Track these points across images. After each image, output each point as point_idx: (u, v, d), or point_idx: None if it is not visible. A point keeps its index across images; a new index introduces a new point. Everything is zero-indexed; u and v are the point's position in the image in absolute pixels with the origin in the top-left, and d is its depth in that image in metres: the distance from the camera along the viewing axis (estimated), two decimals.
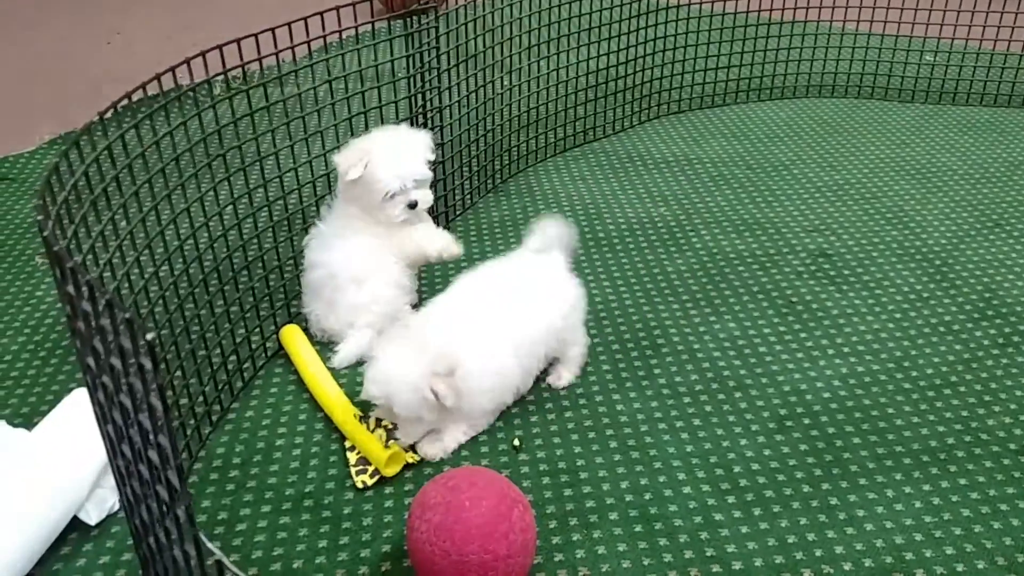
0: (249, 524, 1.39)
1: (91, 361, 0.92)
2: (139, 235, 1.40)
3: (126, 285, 1.35)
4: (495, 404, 1.57)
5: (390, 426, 1.53)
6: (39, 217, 0.96)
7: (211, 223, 1.59)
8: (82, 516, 1.37)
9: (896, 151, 2.63)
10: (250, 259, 1.72)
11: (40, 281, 2.06)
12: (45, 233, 0.92)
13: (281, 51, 1.67)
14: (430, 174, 1.78)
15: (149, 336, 0.74)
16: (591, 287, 1.98)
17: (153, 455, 0.85)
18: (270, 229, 1.77)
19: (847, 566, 1.30)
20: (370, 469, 1.47)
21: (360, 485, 1.45)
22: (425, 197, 1.78)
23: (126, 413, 0.87)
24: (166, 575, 1.00)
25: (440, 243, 1.80)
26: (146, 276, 1.43)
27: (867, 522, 1.37)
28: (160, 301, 1.47)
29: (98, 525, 1.38)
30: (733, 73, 3.05)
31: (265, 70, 1.66)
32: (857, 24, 3.18)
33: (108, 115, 1.30)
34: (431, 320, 1.54)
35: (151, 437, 0.82)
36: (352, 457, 1.49)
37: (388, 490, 1.45)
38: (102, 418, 0.99)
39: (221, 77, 1.57)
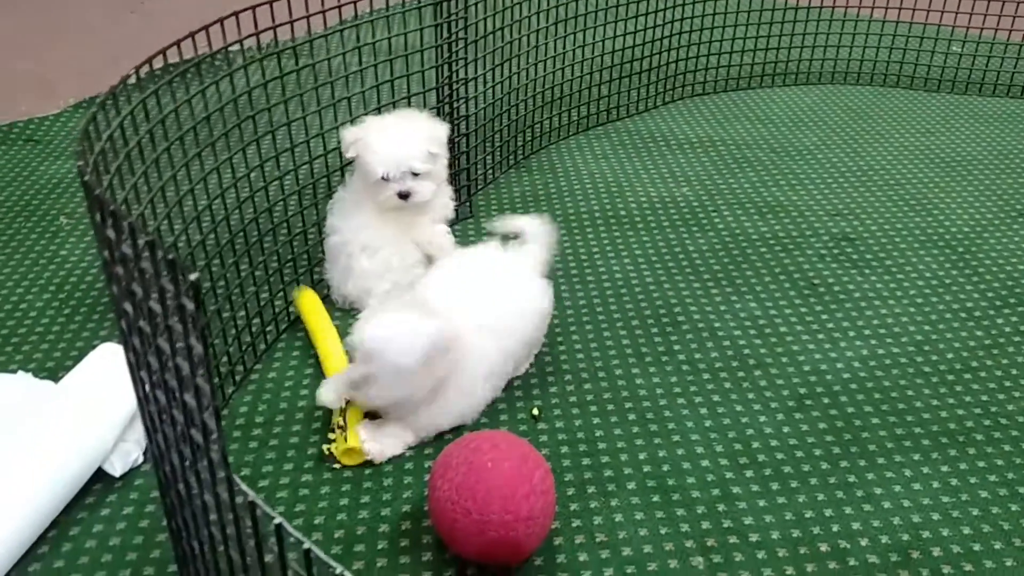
0: (271, 481, 1.41)
1: (127, 306, 0.93)
2: (169, 192, 1.41)
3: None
4: (472, 400, 1.52)
5: (343, 423, 1.45)
6: (79, 163, 0.97)
7: (238, 185, 1.60)
8: (106, 468, 1.38)
9: (921, 139, 2.62)
10: (276, 223, 1.73)
11: (64, 240, 2.08)
12: (86, 177, 0.93)
13: (312, 15, 1.67)
14: (430, 167, 1.73)
15: (193, 276, 0.75)
16: (611, 263, 1.99)
17: (190, 398, 0.86)
18: (295, 194, 1.78)
19: (864, 542, 1.30)
20: (332, 445, 1.45)
21: (325, 451, 1.45)
22: (422, 190, 1.73)
23: (163, 357, 0.88)
24: (194, 521, 1.01)
25: (436, 246, 1.81)
26: (175, 233, 1.44)
27: (884, 500, 1.37)
28: (188, 260, 1.48)
29: (122, 477, 1.40)
30: (759, 57, 3.03)
31: (292, 39, 1.66)
32: (885, 12, 3.16)
33: (132, 81, 1.30)
34: (434, 291, 1.52)
35: (189, 380, 0.83)
36: (337, 420, 1.47)
37: (408, 453, 1.47)
38: (136, 365, 1.00)
39: (248, 44, 1.58)
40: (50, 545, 1.30)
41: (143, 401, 1.04)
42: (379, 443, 1.44)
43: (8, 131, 2.62)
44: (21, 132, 2.63)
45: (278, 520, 0.81)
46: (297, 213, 1.79)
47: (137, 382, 1.02)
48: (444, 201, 1.85)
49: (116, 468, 1.39)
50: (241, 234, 1.64)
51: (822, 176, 2.40)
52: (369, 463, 1.44)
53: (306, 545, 0.78)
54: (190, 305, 0.77)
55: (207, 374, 0.80)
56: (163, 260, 0.79)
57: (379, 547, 1.30)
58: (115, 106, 1.23)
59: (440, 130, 1.77)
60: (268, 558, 0.86)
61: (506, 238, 1.70)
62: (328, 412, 1.51)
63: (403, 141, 1.71)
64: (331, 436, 1.46)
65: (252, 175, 1.65)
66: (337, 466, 1.44)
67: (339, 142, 1.76)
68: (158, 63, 1.38)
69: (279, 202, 1.72)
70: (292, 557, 0.81)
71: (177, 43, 1.39)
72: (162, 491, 1.17)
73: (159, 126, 1.35)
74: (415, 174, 1.72)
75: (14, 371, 1.59)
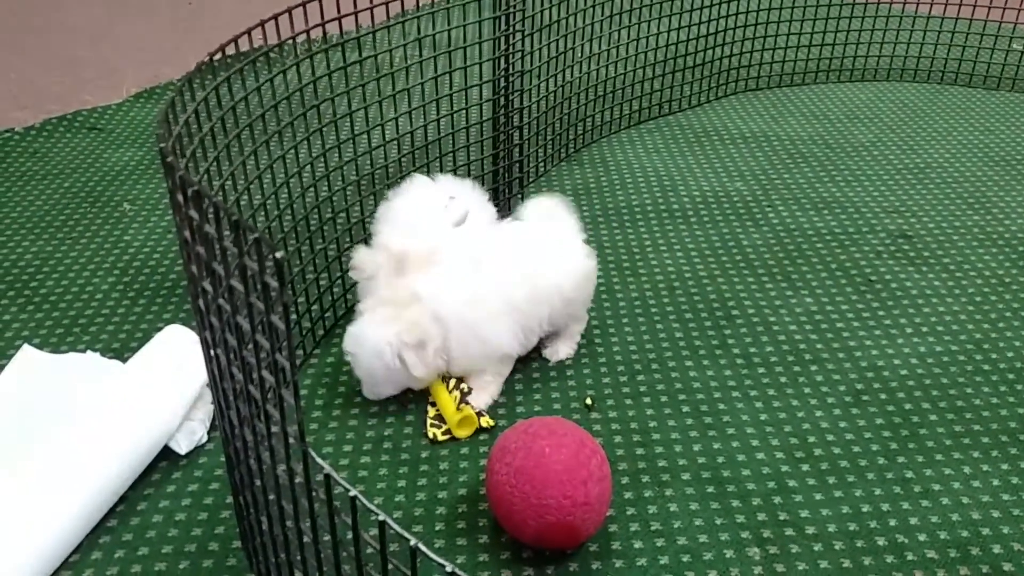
0: (331, 462, 1.44)
1: (207, 285, 0.96)
2: (239, 178, 1.44)
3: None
4: (493, 359, 1.56)
5: (467, 389, 1.55)
6: (161, 145, 1.00)
7: (301, 174, 1.63)
8: (172, 445, 1.42)
9: (979, 137, 2.58)
10: (335, 211, 1.76)
11: (128, 226, 2.13)
12: (168, 159, 0.96)
13: (374, 7, 1.69)
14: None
15: (278, 255, 0.77)
16: (663, 257, 1.99)
17: (268, 374, 0.89)
18: (355, 184, 1.81)
19: (922, 537, 1.29)
20: (444, 427, 1.50)
21: (430, 436, 1.48)
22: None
23: (242, 336, 0.91)
24: (263, 496, 1.04)
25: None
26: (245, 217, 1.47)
27: (943, 496, 1.36)
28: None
29: (187, 455, 1.44)
30: (814, 52, 3.01)
31: (345, 32, 1.69)
32: (944, 8, 3.11)
33: (199, 68, 1.34)
34: (420, 282, 1.52)
35: (268, 356, 0.86)
36: (431, 411, 1.52)
37: (464, 440, 1.48)
38: (212, 343, 1.03)
39: (309, 35, 1.61)
40: (119, 519, 1.34)
41: (217, 379, 1.07)
42: (480, 397, 1.55)
43: (72, 120, 2.69)
44: (85, 120, 2.69)
45: (353, 493, 0.83)
46: (356, 202, 1.82)
47: (212, 360, 1.05)
48: None
49: (182, 446, 1.43)
50: (303, 222, 1.67)
51: (878, 173, 2.37)
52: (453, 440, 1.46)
53: (381, 517, 0.80)
54: (273, 283, 0.80)
55: (290, 350, 0.82)
56: (250, 240, 0.81)
57: (436, 528, 1.32)
58: (191, 92, 1.26)
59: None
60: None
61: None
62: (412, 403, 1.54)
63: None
64: (431, 423, 1.50)
65: (314, 164, 1.68)
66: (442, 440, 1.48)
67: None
68: (220, 53, 1.41)
69: (339, 191, 1.75)
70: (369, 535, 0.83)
71: (248, 32, 1.42)
72: (230, 468, 1.20)
73: (229, 113, 1.38)
74: None
75: (82, 351, 1.64)
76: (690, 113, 2.75)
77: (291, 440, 0.89)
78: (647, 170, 2.39)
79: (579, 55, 2.40)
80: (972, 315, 1.79)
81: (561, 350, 1.68)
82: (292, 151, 1.59)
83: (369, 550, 1.13)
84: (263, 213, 1.55)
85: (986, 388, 1.59)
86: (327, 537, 0.90)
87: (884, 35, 3.03)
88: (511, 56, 2.06)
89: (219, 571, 1.25)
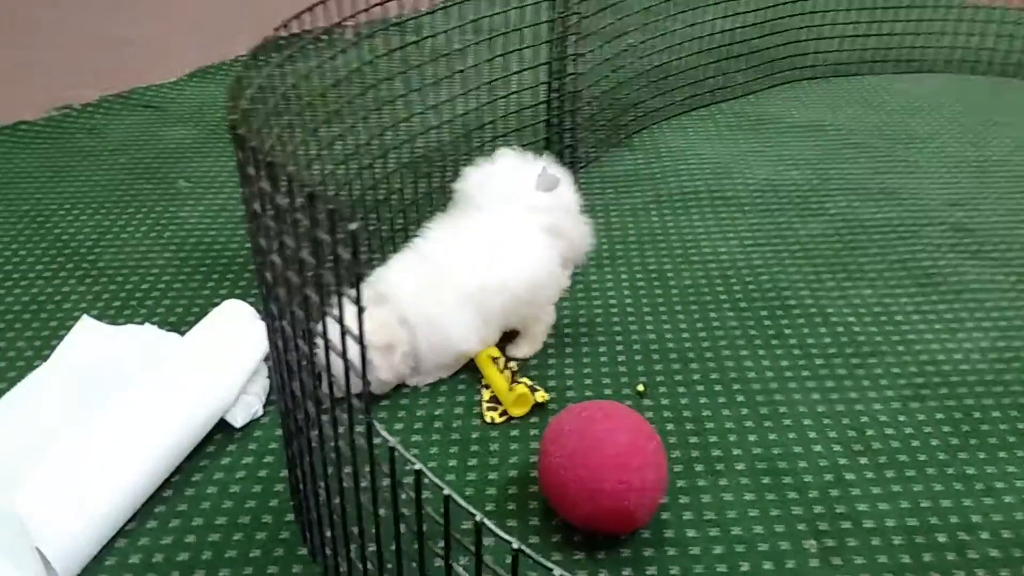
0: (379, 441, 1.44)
1: (276, 258, 0.96)
2: (300, 156, 1.45)
3: None
4: (451, 358, 1.55)
5: (515, 367, 1.55)
6: (231, 116, 1.00)
7: (360, 152, 1.64)
8: (228, 418, 1.43)
9: None
10: (391, 191, 1.76)
11: (183, 203, 2.15)
12: (239, 130, 0.96)
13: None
14: None
15: (353, 225, 0.77)
16: (716, 244, 1.96)
17: (331, 350, 0.89)
18: (410, 164, 1.81)
19: (984, 535, 1.27)
20: (500, 408, 1.50)
21: (488, 420, 1.48)
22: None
23: (309, 308, 0.91)
24: (323, 469, 1.04)
25: None
26: None
27: (1006, 494, 1.33)
28: None
29: (242, 428, 1.45)
30: (871, 43, 2.94)
31: (400, 15, 1.69)
32: None
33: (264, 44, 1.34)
34: (386, 278, 1.51)
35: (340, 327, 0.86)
36: (486, 394, 1.52)
37: (514, 421, 1.48)
38: (277, 315, 1.03)
39: (361, 19, 1.61)
40: (174, 489, 1.35)
41: (280, 351, 1.07)
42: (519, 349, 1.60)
43: (129, 97, 2.73)
44: (141, 98, 2.73)
45: (418, 466, 0.83)
46: (409, 183, 1.82)
47: (276, 332, 1.06)
48: None
49: (238, 419, 1.44)
50: (358, 202, 1.67)
51: (935, 166, 2.32)
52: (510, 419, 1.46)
53: (447, 491, 0.79)
54: (347, 255, 0.80)
55: (359, 320, 0.82)
56: (324, 211, 0.81)
57: (487, 509, 1.32)
58: (255, 68, 1.26)
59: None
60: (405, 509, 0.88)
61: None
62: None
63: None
64: (487, 406, 1.49)
65: (369, 144, 1.68)
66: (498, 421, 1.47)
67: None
68: (284, 29, 1.41)
69: (393, 171, 1.75)
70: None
71: (311, 8, 1.43)
72: (287, 442, 1.21)
73: (288, 91, 1.39)
74: None
75: (140, 324, 1.66)
76: (744, 101, 2.71)
77: (356, 413, 0.89)
78: (700, 157, 2.36)
79: (634, 40, 2.37)
80: None
81: (522, 348, 1.63)
82: (348, 131, 1.59)
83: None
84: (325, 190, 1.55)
85: None
86: (384, 512, 0.90)
87: (943, 26, 2.95)
88: (567, 38, 2.05)
89: (272, 544, 1.26)
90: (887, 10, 2.93)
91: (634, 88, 2.44)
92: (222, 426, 1.45)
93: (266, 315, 1.06)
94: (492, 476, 1.38)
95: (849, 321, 1.72)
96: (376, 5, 1.58)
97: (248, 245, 1.85)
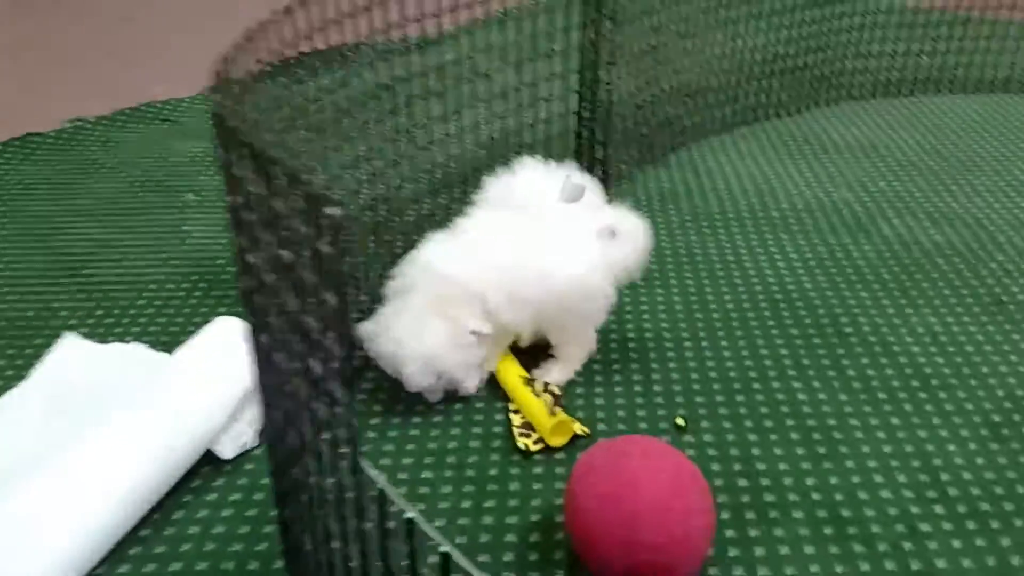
0: (388, 477, 1.28)
1: (252, 258, 0.81)
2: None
3: None
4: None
5: (558, 392, 1.40)
6: (214, 96, 0.86)
7: (374, 168, 1.50)
8: (216, 449, 1.28)
9: None
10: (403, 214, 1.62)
11: (188, 217, 2.02)
12: (219, 111, 0.82)
13: (459, 7, 1.56)
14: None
15: (334, 211, 0.62)
16: (762, 267, 1.79)
17: (316, 364, 0.73)
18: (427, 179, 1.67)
19: None
20: (534, 436, 1.33)
21: (522, 447, 1.31)
22: None
23: (290, 316, 0.76)
24: (308, 511, 0.89)
25: None
26: None
27: None
28: None
29: (232, 460, 1.30)
30: (923, 62, 2.77)
31: (422, 34, 1.57)
32: None
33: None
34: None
35: (318, 340, 0.70)
36: (516, 420, 1.35)
37: (537, 456, 1.31)
38: (257, 327, 0.88)
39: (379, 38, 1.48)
40: (152, 528, 1.20)
41: (260, 368, 0.92)
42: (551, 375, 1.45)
43: (145, 111, 2.62)
44: (158, 113, 2.62)
45: (411, 514, 0.67)
46: (427, 196, 1.68)
47: (256, 347, 0.90)
48: None
49: (226, 450, 1.29)
50: (370, 214, 1.53)
51: (1000, 187, 2.14)
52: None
53: (445, 548, 0.63)
54: (327, 248, 0.65)
55: (343, 333, 0.67)
56: (304, 196, 0.66)
57: (505, 559, 1.15)
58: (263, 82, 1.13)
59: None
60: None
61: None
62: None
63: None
64: (519, 432, 1.34)
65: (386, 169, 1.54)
66: (537, 451, 1.32)
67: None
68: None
69: (410, 185, 1.61)
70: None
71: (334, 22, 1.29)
72: (274, 475, 1.05)
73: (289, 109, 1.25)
74: None
75: (128, 342, 1.52)
76: (788, 120, 2.55)
77: (341, 447, 0.74)
78: (741, 176, 2.20)
79: (670, 53, 2.22)
80: None
81: (553, 373, 1.46)
82: (364, 149, 1.46)
83: None
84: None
85: None
86: (380, 563, 0.74)
87: (1000, 44, 2.78)
88: (598, 46, 1.91)
89: None
90: (938, 28, 2.77)
91: (671, 104, 2.28)
92: (210, 458, 1.29)
93: (248, 327, 0.91)
94: (512, 520, 1.21)
95: (913, 351, 1.54)
96: (396, 25, 1.45)
97: None
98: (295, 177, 0.66)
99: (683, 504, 1.03)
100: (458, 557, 0.62)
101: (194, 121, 2.56)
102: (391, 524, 0.70)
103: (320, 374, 0.72)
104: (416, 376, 1.36)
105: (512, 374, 1.43)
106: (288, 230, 0.69)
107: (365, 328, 1.40)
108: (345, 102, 1.44)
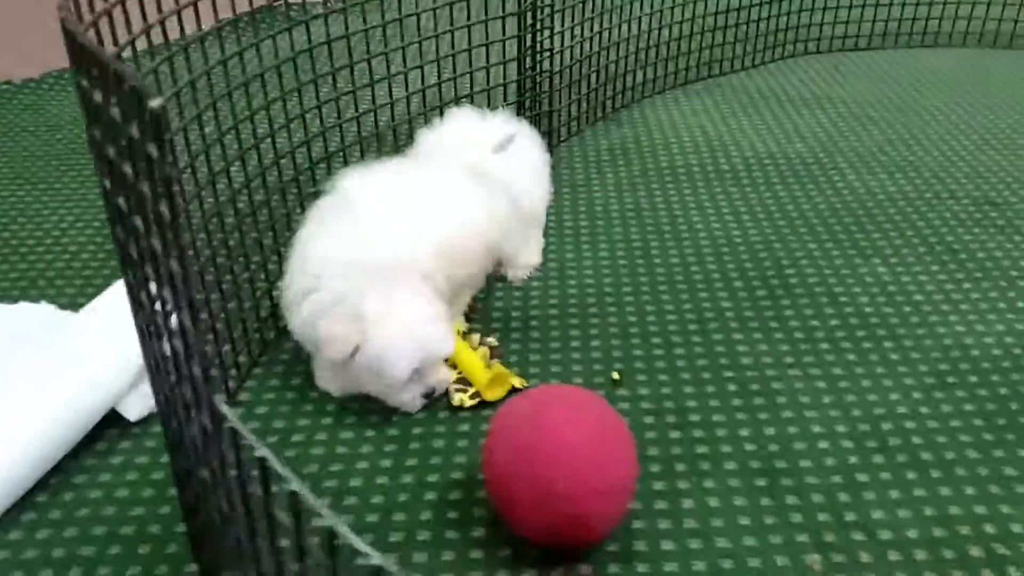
0: (306, 435, 1.22)
1: (107, 182, 0.74)
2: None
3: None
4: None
5: (495, 343, 1.33)
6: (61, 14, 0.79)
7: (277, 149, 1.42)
8: (121, 410, 1.21)
9: None
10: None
11: None
12: (68, 26, 0.74)
13: None
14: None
15: (154, 103, 0.55)
16: (710, 221, 1.73)
17: (167, 293, 0.66)
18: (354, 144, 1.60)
19: None
20: (470, 390, 1.27)
21: (456, 403, 1.25)
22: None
23: (140, 243, 0.69)
24: (202, 493, 0.82)
25: None
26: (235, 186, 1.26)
27: None
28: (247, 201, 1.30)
29: (140, 422, 1.23)
30: (881, 14, 2.71)
31: None
32: None
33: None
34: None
35: (165, 264, 0.64)
36: (452, 375, 1.28)
37: (464, 413, 1.25)
38: (125, 266, 0.81)
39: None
40: (50, 493, 1.13)
41: (135, 313, 0.85)
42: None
43: (74, 74, 2.52)
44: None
45: (261, 452, 0.60)
46: (376, 154, 1.60)
47: (128, 291, 0.83)
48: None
49: (132, 411, 1.21)
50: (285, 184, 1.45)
51: (957, 137, 2.09)
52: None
53: (293, 486, 0.57)
54: (154, 151, 0.57)
55: (179, 256, 0.60)
56: (129, 90, 0.59)
57: (423, 518, 1.09)
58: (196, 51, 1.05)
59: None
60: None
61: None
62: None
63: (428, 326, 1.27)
64: (454, 387, 1.27)
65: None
66: (470, 406, 1.26)
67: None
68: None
69: (331, 155, 1.54)
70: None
71: None
72: (164, 426, 0.98)
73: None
74: None
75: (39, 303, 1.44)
76: (743, 75, 2.48)
77: (197, 385, 0.67)
78: (694, 131, 2.13)
79: (618, 17, 2.15)
80: None
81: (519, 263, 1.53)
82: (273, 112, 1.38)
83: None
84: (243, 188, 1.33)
85: None
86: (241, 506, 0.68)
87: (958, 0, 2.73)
88: (541, 10, 1.82)
89: (155, 560, 1.04)
90: None
91: (621, 55, 2.21)
92: (117, 419, 1.22)
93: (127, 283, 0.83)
94: (433, 478, 1.15)
95: (861, 301, 1.48)
96: None
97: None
98: (118, 75, 0.59)
99: (603, 455, 0.97)
100: (305, 494, 0.55)
101: None
102: (249, 468, 0.64)
103: (169, 305, 0.65)
104: (406, 372, 1.21)
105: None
106: (121, 136, 0.62)
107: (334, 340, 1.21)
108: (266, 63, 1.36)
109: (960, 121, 2.17)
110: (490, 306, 1.49)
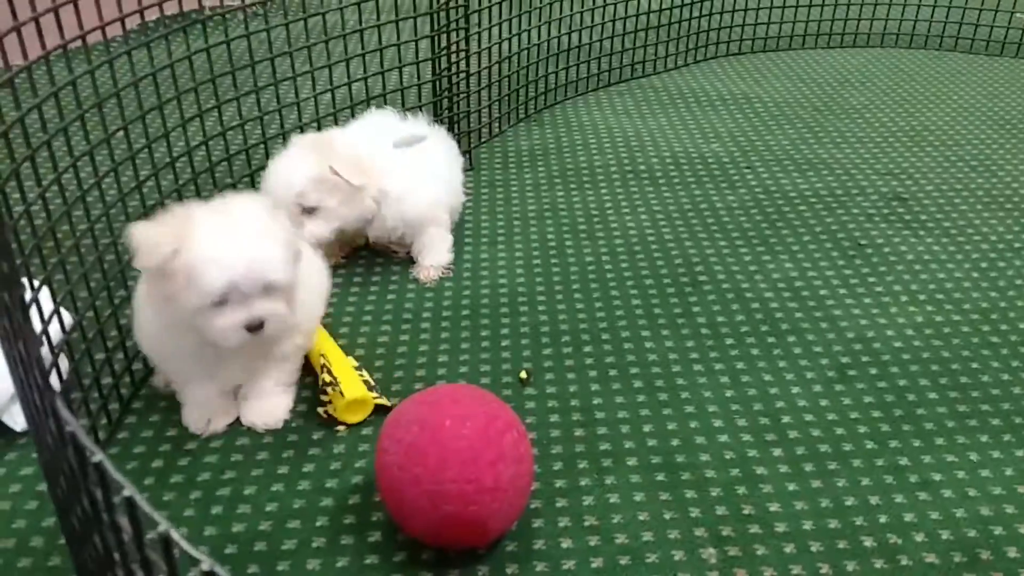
0: (200, 445, 1.18)
1: None
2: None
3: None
4: None
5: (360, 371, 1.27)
6: None
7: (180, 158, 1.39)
8: (6, 420, 1.17)
9: (982, 101, 2.33)
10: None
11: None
12: None
13: None
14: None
15: None
16: (625, 219, 1.74)
17: (6, 298, 0.64)
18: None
19: (919, 537, 1.04)
20: (328, 406, 1.22)
21: (323, 414, 1.22)
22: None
23: None
24: (62, 501, 0.79)
25: None
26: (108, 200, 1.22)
27: (945, 488, 1.11)
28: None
29: (26, 432, 1.18)
30: (801, 15, 2.76)
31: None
32: None
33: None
34: None
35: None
36: (325, 377, 1.24)
37: (369, 418, 1.23)
38: None
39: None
40: None
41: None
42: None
43: None
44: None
45: (98, 458, 0.57)
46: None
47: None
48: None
49: (18, 422, 1.17)
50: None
51: (870, 135, 2.13)
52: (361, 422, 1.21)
53: (126, 492, 0.54)
54: None
55: (4, 251, 0.57)
56: None
57: (318, 524, 1.06)
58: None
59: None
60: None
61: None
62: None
63: (286, 171, 1.36)
64: (323, 398, 1.23)
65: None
66: (341, 429, 1.21)
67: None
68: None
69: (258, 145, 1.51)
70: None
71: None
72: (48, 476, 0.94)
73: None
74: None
75: None
76: (664, 76, 2.50)
77: (38, 389, 0.64)
78: (613, 132, 2.14)
79: (538, 18, 2.15)
80: (977, 282, 1.54)
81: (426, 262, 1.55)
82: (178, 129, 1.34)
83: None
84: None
85: (995, 362, 1.34)
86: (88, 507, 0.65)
87: (875, 1, 2.78)
88: (449, 10, 1.81)
89: (36, 573, 1.00)
90: None
91: (540, 57, 2.21)
92: (2, 431, 1.18)
93: None
94: (330, 484, 1.12)
95: (766, 297, 1.50)
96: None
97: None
98: None
99: (493, 452, 0.96)
100: (138, 499, 0.53)
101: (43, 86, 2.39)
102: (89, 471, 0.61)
103: (8, 304, 0.63)
104: (219, 284, 1.05)
105: (329, 345, 1.32)
106: None
107: None
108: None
109: (874, 119, 2.21)
110: (400, 306, 1.47)
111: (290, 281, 1.11)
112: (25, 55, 1.06)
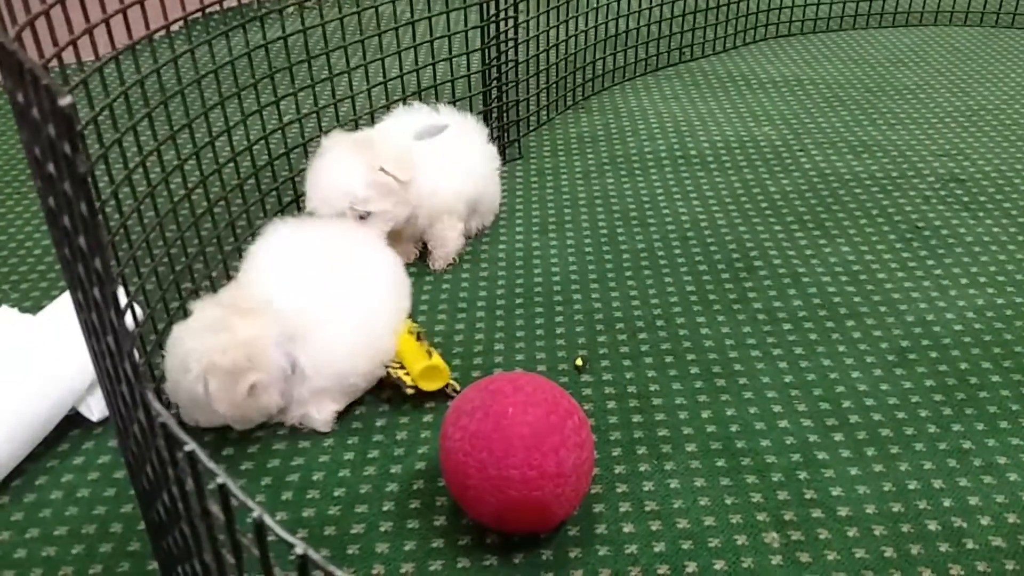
0: (268, 432, 1.22)
1: (40, 183, 0.74)
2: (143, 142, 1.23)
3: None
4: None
5: (428, 346, 1.31)
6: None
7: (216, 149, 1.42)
8: (83, 410, 1.21)
9: None
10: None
11: None
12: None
13: None
14: (379, 207, 1.41)
15: (63, 101, 0.55)
16: (677, 205, 1.74)
17: (97, 292, 0.66)
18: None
19: (984, 520, 1.04)
20: (408, 379, 1.25)
21: (409, 385, 1.24)
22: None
23: (72, 243, 0.69)
24: (149, 490, 0.82)
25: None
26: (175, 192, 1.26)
27: (1010, 471, 1.10)
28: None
29: (102, 422, 1.23)
30: None
31: None
32: None
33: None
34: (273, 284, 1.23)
35: (90, 263, 0.64)
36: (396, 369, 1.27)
37: (429, 404, 1.25)
38: (60, 261, 0.81)
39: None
40: (11, 495, 1.13)
41: (79, 317, 0.85)
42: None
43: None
44: (56, 78, 2.50)
45: (190, 447, 0.60)
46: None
47: (72, 291, 0.83)
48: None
49: (94, 412, 1.21)
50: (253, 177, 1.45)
51: (924, 116, 2.09)
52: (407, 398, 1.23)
53: (220, 479, 0.57)
54: (66, 147, 0.57)
55: (99, 250, 0.60)
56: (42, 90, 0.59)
57: (384, 509, 1.09)
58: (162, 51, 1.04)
59: (391, 159, 1.41)
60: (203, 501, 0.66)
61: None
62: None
63: (339, 177, 1.40)
64: (394, 373, 1.25)
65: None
66: (410, 391, 1.23)
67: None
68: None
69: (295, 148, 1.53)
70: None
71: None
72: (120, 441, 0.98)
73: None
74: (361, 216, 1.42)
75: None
76: (713, 59, 2.48)
77: (128, 379, 0.67)
78: (663, 117, 2.13)
79: (585, 5, 2.16)
80: None
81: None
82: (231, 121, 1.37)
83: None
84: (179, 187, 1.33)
85: None
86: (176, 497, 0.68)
87: None
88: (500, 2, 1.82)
89: (117, 557, 1.04)
90: None
91: (589, 43, 2.21)
92: (80, 420, 1.22)
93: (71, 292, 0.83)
94: (395, 469, 1.15)
95: (824, 281, 1.49)
96: None
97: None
98: (34, 75, 0.59)
99: (556, 439, 0.97)
100: (232, 487, 0.56)
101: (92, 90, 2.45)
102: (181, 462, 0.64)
103: (99, 300, 0.65)
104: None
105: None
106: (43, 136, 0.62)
107: None
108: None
109: (928, 99, 2.18)
110: (455, 295, 1.49)
111: None
112: (97, 54, 1.09)
